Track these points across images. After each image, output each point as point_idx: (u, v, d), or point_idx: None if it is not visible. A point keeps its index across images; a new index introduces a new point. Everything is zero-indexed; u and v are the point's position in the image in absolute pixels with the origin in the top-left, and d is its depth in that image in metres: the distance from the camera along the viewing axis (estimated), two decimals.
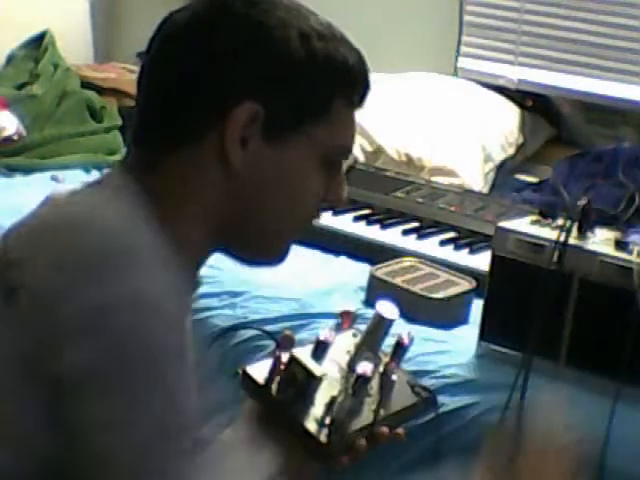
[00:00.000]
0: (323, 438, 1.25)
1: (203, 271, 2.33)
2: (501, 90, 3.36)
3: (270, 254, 1.28)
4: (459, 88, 3.33)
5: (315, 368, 1.28)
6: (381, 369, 1.38)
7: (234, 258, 1.28)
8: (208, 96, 1.18)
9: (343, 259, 2.45)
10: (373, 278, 2.23)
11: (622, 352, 1.83)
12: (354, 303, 2.20)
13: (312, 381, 1.28)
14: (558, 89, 3.37)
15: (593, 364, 1.90)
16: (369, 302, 2.22)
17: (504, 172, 3.19)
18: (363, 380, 1.31)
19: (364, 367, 1.31)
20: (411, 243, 2.46)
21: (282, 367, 1.31)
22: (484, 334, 2.02)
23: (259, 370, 1.32)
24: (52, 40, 3.40)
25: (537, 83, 3.38)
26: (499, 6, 3.42)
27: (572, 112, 3.42)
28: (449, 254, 2.41)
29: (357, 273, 2.34)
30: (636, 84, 3.25)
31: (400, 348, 1.40)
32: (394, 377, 1.37)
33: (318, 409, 1.28)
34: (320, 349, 1.34)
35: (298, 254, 2.44)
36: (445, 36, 3.45)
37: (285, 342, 1.33)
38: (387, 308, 1.39)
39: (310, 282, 2.30)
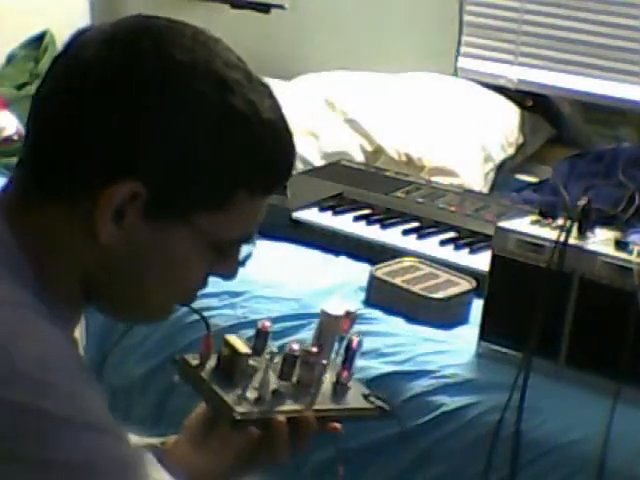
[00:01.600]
0: (238, 408, 1.25)
1: None
2: (501, 90, 3.36)
3: (147, 319, 1.24)
4: (459, 88, 3.33)
5: (241, 346, 1.28)
6: (334, 374, 1.35)
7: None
8: (92, 163, 1.05)
9: (343, 259, 2.45)
10: (373, 278, 2.23)
11: (622, 352, 1.83)
12: (354, 303, 2.20)
13: (238, 358, 1.28)
14: (558, 89, 3.37)
15: (593, 364, 1.90)
16: (369, 302, 2.22)
17: (504, 172, 3.19)
18: (290, 358, 1.30)
19: (291, 346, 1.31)
20: (411, 243, 2.46)
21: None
22: (484, 334, 2.02)
23: (196, 356, 1.32)
24: (52, 40, 3.40)
25: (537, 83, 3.38)
26: (499, 6, 3.42)
27: (572, 112, 3.42)
28: (449, 254, 2.41)
29: (357, 273, 2.34)
30: (636, 84, 3.24)
31: (350, 351, 1.36)
32: (348, 384, 1.34)
33: (241, 386, 1.27)
34: (260, 338, 1.33)
35: (298, 254, 2.47)
36: (445, 36, 3.45)
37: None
38: (334, 305, 1.36)
39: (310, 282, 2.30)
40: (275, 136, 1.10)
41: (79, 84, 1.05)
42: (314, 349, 1.33)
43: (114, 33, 1.07)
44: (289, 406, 1.28)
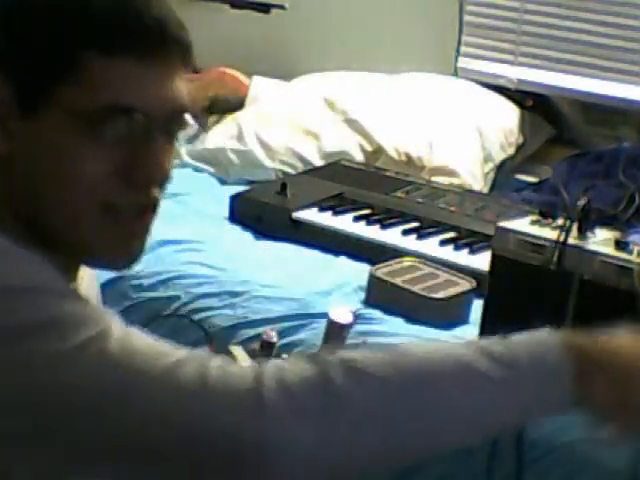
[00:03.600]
0: None
1: (204, 271, 2.36)
2: (501, 90, 3.36)
3: (90, 249, 1.11)
4: (459, 88, 3.33)
5: (243, 361, 1.25)
6: None
7: (89, 265, 1.17)
8: None
9: (343, 259, 2.45)
10: (373, 278, 2.23)
11: None
12: (354, 303, 2.20)
13: None
14: (558, 89, 3.37)
15: None
16: (369, 302, 2.22)
17: (504, 172, 3.19)
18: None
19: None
20: (411, 243, 2.46)
21: None
22: (484, 334, 2.02)
23: None
24: None
25: (537, 83, 3.38)
26: (499, 6, 3.42)
27: (572, 112, 3.41)
28: (449, 254, 2.41)
29: (357, 273, 2.34)
30: (636, 84, 3.24)
31: None
32: None
33: None
34: (265, 349, 1.30)
35: (298, 254, 2.47)
36: (445, 36, 3.44)
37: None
38: (341, 313, 1.31)
39: (310, 282, 2.30)
40: None
41: None
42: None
43: None
44: None
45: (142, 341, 0.99)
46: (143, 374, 0.96)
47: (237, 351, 1.25)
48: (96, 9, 1.05)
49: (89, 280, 1.24)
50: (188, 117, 1.14)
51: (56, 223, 1.08)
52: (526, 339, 1.12)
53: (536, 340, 1.12)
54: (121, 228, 1.09)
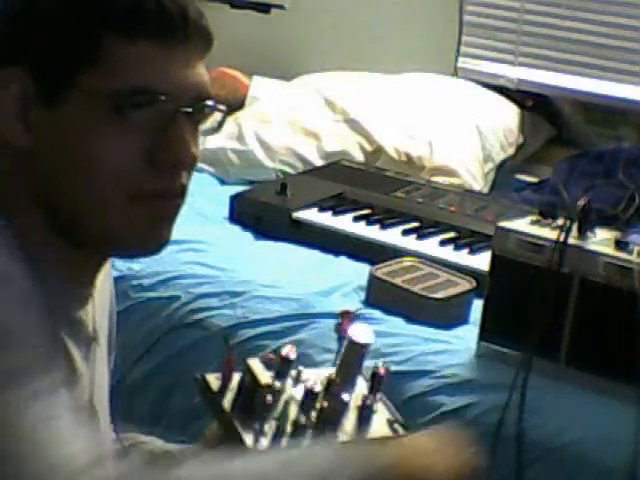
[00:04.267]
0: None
1: (204, 271, 2.36)
2: (501, 90, 3.36)
3: (118, 237, 1.10)
4: (459, 88, 3.33)
5: (262, 376, 1.19)
6: (359, 400, 1.25)
7: (115, 254, 1.18)
8: None
9: (343, 259, 2.45)
10: (373, 278, 2.23)
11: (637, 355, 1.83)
12: (354, 303, 2.20)
13: (258, 390, 1.18)
14: (558, 89, 3.37)
15: (593, 364, 1.90)
16: (369, 302, 2.22)
17: (504, 172, 3.19)
18: (310, 395, 1.21)
19: (312, 382, 1.22)
20: (411, 243, 2.46)
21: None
22: (484, 334, 2.02)
23: (218, 376, 1.23)
24: None
25: (537, 83, 3.38)
26: (499, 6, 3.42)
27: (572, 112, 3.42)
28: (449, 254, 2.41)
29: (357, 273, 2.34)
30: (636, 84, 3.25)
31: (376, 380, 1.27)
32: (374, 407, 1.25)
33: (262, 421, 1.18)
34: (284, 366, 1.23)
35: (298, 254, 2.47)
36: (445, 36, 3.45)
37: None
38: (361, 332, 1.25)
39: (310, 282, 2.30)
40: None
41: None
42: (337, 379, 1.25)
43: None
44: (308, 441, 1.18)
45: (59, 422, 0.95)
46: (29, 459, 0.93)
47: (256, 366, 1.20)
48: None
49: (104, 281, 1.23)
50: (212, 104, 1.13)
51: (82, 214, 1.08)
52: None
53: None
54: (149, 213, 1.09)
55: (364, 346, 1.24)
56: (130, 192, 1.07)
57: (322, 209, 2.60)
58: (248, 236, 2.56)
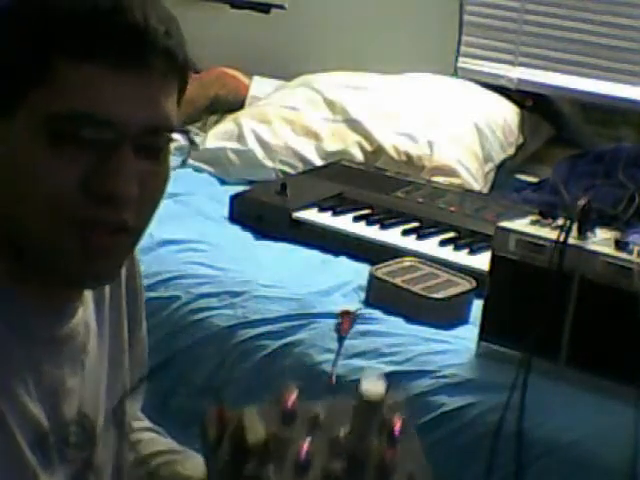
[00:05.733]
0: None
1: (204, 271, 2.36)
2: (501, 90, 3.36)
3: (58, 266, 1.05)
4: (459, 88, 3.33)
5: (253, 435, 1.06)
6: (376, 460, 1.12)
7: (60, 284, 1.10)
8: None
9: (343, 259, 2.45)
10: (373, 278, 2.23)
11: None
12: (354, 303, 2.20)
13: (246, 447, 1.06)
14: (558, 89, 3.37)
15: (593, 364, 1.90)
16: (369, 302, 2.22)
17: (504, 172, 3.19)
18: (302, 465, 1.07)
19: (303, 451, 1.08)
20: (411, 243, 2.46)
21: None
22: (484, 334, 2.02)
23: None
24: None
25: (537, 83, 3.38)
26: (499, 6, 3.42)
27: (572, 112, 3.42)
28: (449, 254, 2.41)
29: (357, 273, 2.34)
30: (636, 84, 3.25)
31: (393, 435, 1.14)
32: (393, 465, 1.12)
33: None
34: (285, 416, 1.11)
35: (298, 254, 2.47)
36: (445, 36, 3.45)
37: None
38: (372, 386, 1.10)
39: (310, 282, 2.30)
40: None
41: None
42: (346, 435, 1.11)
43: None
44: None
45: None
46: None
47: (251, 421, 1.06)
48: (68, 12, 1.00)
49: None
50: (175, 135, 1.07)
51: (25, 237, 1.05)
52: None
53: None
54: (83, 243, 1.04)
55: (378, 403, 1.11)
56: (66, 219, 1.02)
57: (322, 209, 2.60)
58: (248, 236, 2.56)
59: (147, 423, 1.42)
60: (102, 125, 1.01)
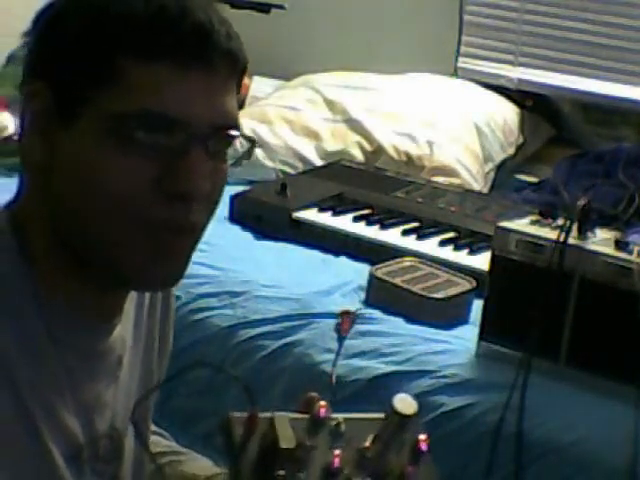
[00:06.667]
0: None
1: (204, 271, 2.36)
2: (501, 90, 3.36)
3: (123, 268, 1.05)
4: (459, 88, 3.33)
5: (284, 437, 1.05)
6: (396, 472, 1.11)
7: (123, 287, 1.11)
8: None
9: (343, 259, 2.45)
10: (373, 278, 2.23)
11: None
12: (354, 303, 2.20)
13: (277, 452, 1.04)
14: (558, 89, 3.37)
15: (593, 364, 1.90)
16: (369, 302, 2.22)
17: (504, 172, 3.19)
18: (332, 473, 1.07)
19: (336, 459, 1.07)
20: (411, 243, 2.46)
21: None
22: (484, 334, 2.02)
23: (243, 418, 1.08)
24: None
25: (537, 83, 3.39)
26: (499, 6, 3.42)
27: (572, 112, 3.42)
28: (449, 254, 2.41)
29: (357, 273, 2.34)
30: (636, 84, 3.25)
31: (418, 452, 1.13)
32: None
33: None
34: (314, 424, 1.10)
35: (298, 254, 2.47)
36: (445, 36, 3.45)
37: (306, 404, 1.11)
38: (405, 404, 1.12)
39: (310, 282, 2.30)
40: None
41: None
42: (370, 445, 1.10)
43: None
44: None
45: None
46: None
47: (282, 427, 1.05)
48: (134, 13, 1.01)
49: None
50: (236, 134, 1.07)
51: (90, 238, 1.04)
52: None
53: None
54: (155, 245, 1.04)
55: (410, 419, 1.12)
56: (134, 220, 1.02)
57: (322, 209, 2.60)
58: (248, 236, 2.56)
59: (152, 427, 1.42)
60: (173, 124, 1.01)
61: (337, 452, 1.08)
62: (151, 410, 1.36)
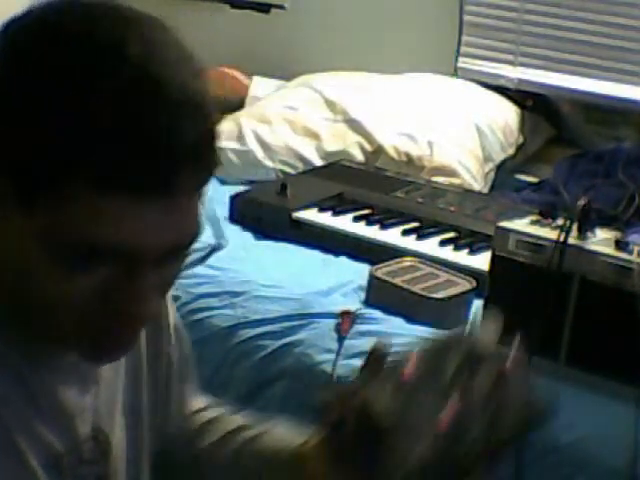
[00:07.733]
0: None
1: (204, 271, 2.36)
2: (501, 90, 3.36)
3: (70, 351, 1.02)
4: (459, 88, 3.33)
5: (386, 415, 0.99)
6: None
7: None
8: None
9: (343, 259, 2.45)
10: (373, 278, 2.23)
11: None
12: (354, 303, 2.20)
13: (374, 425, 0.99)
14: (558, 89, 3.37)
15: (593, 364, 1.90)
16: (369, 302, 2.22)
17: (504, 172, 3.19)
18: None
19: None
20: (411, 243, 2.46)
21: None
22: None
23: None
24: None
25: (537, 83, 3.39)
26: (499, 6, 3.42)
27: (572, 112, 3.42)
28: (449, 254, 2.41)
29: (357, 273, 2.34)
30: (636, 84, 3.25)
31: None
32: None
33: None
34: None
35: (298, 254, 2.47)
36: (445, 36, 3.45)
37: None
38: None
39: (310, 282, 2.30)
40: (121, 109, 0.86)
41: None
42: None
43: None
44: None
45: None
46: None
47: (372, 392, 1.01)
48: (93, 132, 0.87)
49: None
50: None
51: (32, 329, 1.00)
52: None
53: None
54: (97, 345, 0.99)
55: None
56: (77, 324, 0.97)
57: (322, 209, 2.60)
58: (248, 236, 2.56)
59: (208, 400, 1.39)
60: (123, 255, 0.91)
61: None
62: (192, 383, 1.35)
